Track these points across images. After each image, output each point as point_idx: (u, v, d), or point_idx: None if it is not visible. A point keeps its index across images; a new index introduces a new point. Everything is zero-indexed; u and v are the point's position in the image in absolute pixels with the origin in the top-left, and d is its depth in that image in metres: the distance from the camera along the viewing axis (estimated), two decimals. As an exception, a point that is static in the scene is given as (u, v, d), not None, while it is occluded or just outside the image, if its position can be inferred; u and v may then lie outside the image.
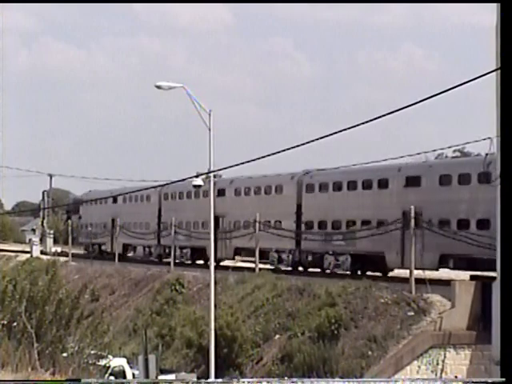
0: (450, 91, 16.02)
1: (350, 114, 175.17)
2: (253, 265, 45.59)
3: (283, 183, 47.69)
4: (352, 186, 42.65)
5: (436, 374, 31.09)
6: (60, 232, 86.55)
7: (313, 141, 19.35)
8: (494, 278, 30.21)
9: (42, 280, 28.18)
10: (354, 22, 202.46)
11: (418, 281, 34.20)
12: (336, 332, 33.19)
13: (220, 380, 27.60)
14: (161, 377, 30.78)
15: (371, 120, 17.60)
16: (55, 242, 79.77)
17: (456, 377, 30.77)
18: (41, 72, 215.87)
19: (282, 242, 45.89)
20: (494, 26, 28.67)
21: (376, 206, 40.61)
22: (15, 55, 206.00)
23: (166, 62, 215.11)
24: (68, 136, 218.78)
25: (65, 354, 25.58)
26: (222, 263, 51.01)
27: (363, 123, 17.85)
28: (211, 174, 34.40)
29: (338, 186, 43.59)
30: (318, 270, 44.29)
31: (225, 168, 27.38)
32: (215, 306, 33.80)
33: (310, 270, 45.13)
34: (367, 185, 41.79)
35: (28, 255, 70.81)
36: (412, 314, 32.78)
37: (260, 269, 44.41)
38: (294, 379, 26.47)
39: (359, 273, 41.58)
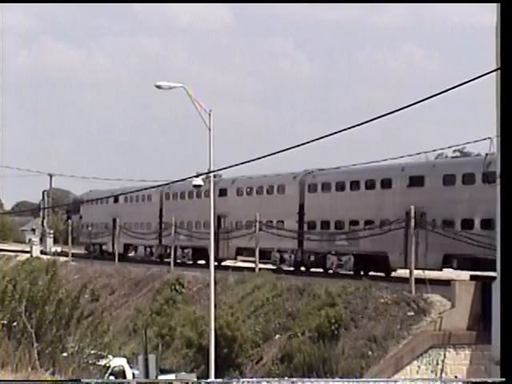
0: (449, 91, 16.02)
1: (349, 113, 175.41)
2: (253, 265, 45.58)
3: (285, 183, 47.63)
4: (355, 185, 42.53)
5: (436, 374, 31.08)
6: (60, 232, 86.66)
7: (313, 141, 19.36)
8: (493, 278, 30.19)
9: (42, 280, 28.14)
10: (353, 22, 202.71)
11: (418, 281, 34.19)
12: (336, 332, 33.18)
13: (220, 380, 27.66)
14: (161, 377, 30.79)
15: (371, 120, 17.61)
16: (55, 241, 79.86)
17: (456, 377, 30.76)
18: (41, 72, 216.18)
19: (284, 242, 45.83)
20: (494, 25, 28.66)
21: (379, 206, 40.45)
22: (15, 55, 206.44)
23: (166, 62, 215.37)
24: (68, 136, 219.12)
25: (65, 354, 25.55)
26: (223, 263, 51.06)
27: (363, 123, 17.86)
28: (211, 174, 34.39)
29: (340, 186, 43.47)
30: (321, 270, 44.22)
31: (225, 168, 27.41)
32: (215, 305, 33.80)
33: (313, 270, 45.07)
34: (370, 185, 41.66)
35: (28, 255, 70.86)
36: (412, 314, 32.77)
37: (260, 269, 44.40)
38: (294, 379, 26.56)
39: (362, 273, 41.37)
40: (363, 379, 29.15)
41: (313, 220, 44.80)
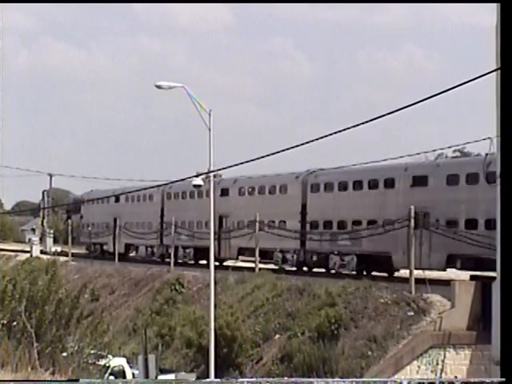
0: (450, 91, 16.02)
1: (350, 113, 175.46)
2: (253, 264, 45.56)
3: (288, 183, 47.56)
4: (358, 185, 42.43)
5: (436, 374, 31.07)
6: (60, 232, 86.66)
7: (313, 141, 19.37)
8: (493, 278, 30.18)
9: (42, 280, 28.15)
10: (353, 22, 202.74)
11: (418, 281, 34.17)
12: (336, 332, 33.16)
13: (220, 380, 27.61)
14: (160, 377, 30.82)
15: (371, 120, 17.61)
16: (55, 241, 79.89)
17: (456, 377, 30.74)
18: (41, 72, 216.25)
19: (286, 242, 45.76)
20: (494, 25, 28.65)
21: (382, 206, 40.34)
22: (15, 55, 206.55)
23: (166, 62, 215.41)
24: (68, 136, 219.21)
25: (64, 354, 25.56)
26: (225, 263, 51.05)
27: (363, 123, 17.87)
28: (211, 174, 34.39)
29: (343, 186, 43.38)
30: (323, 270, 44.14)
31: (225, 168, 27.40)
32: (215, 305, 33.79)
33: (315, 270, 45.00)
34: (373, 184, 41.54)
35: (28, 255, 70.86)
36: (412, 313, 32.75)
37: (260, 269, 44.38)
38: (294, 379, 26.49)
39: (365, 273, 41.26)
40: (363, 379, 29.12)
41: (315, 220, 44.70)
